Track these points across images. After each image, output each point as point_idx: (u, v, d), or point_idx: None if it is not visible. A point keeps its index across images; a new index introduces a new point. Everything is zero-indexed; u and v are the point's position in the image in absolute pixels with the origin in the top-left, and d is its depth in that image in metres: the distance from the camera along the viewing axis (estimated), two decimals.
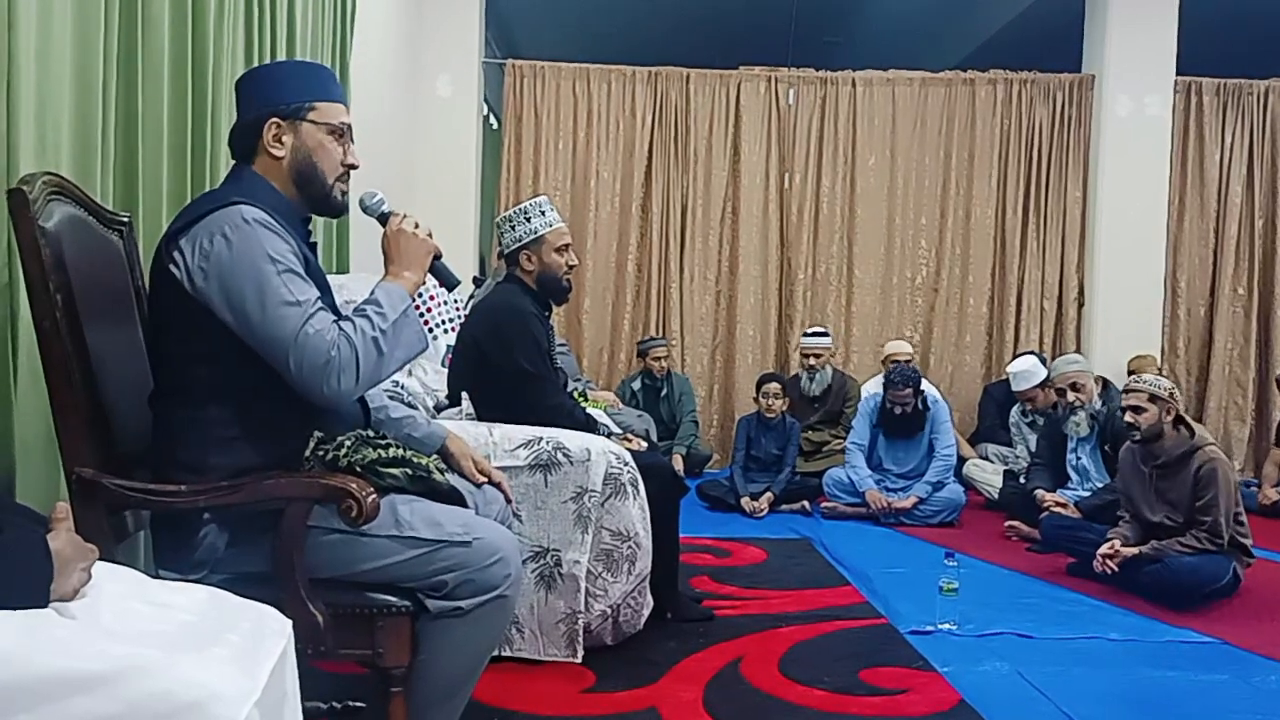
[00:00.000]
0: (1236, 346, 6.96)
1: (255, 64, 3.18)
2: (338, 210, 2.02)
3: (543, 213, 3.24)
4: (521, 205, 3.29)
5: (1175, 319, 6.98)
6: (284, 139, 1.91)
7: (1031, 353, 6.03)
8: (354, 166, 1.98)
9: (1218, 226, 6.94)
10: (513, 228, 3.25)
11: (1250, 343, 6.94)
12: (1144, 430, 3.88)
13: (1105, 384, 5.06)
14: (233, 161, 1.98)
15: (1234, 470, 4.03)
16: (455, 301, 5.06)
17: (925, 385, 5.43)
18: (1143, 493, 3.95)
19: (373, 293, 1.87)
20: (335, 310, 1.90)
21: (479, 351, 3.19)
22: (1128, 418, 3.91)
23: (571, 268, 3.29)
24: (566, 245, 3.28)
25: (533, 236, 3.23)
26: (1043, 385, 5.46)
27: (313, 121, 1.92)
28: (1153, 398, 3.86)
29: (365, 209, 2.05)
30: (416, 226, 1.96)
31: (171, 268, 1.78)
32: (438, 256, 1.99)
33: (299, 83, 1.95)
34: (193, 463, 1.79)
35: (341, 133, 1.96)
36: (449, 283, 2.06)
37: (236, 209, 1.77)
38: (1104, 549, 3.81)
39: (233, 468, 1.79)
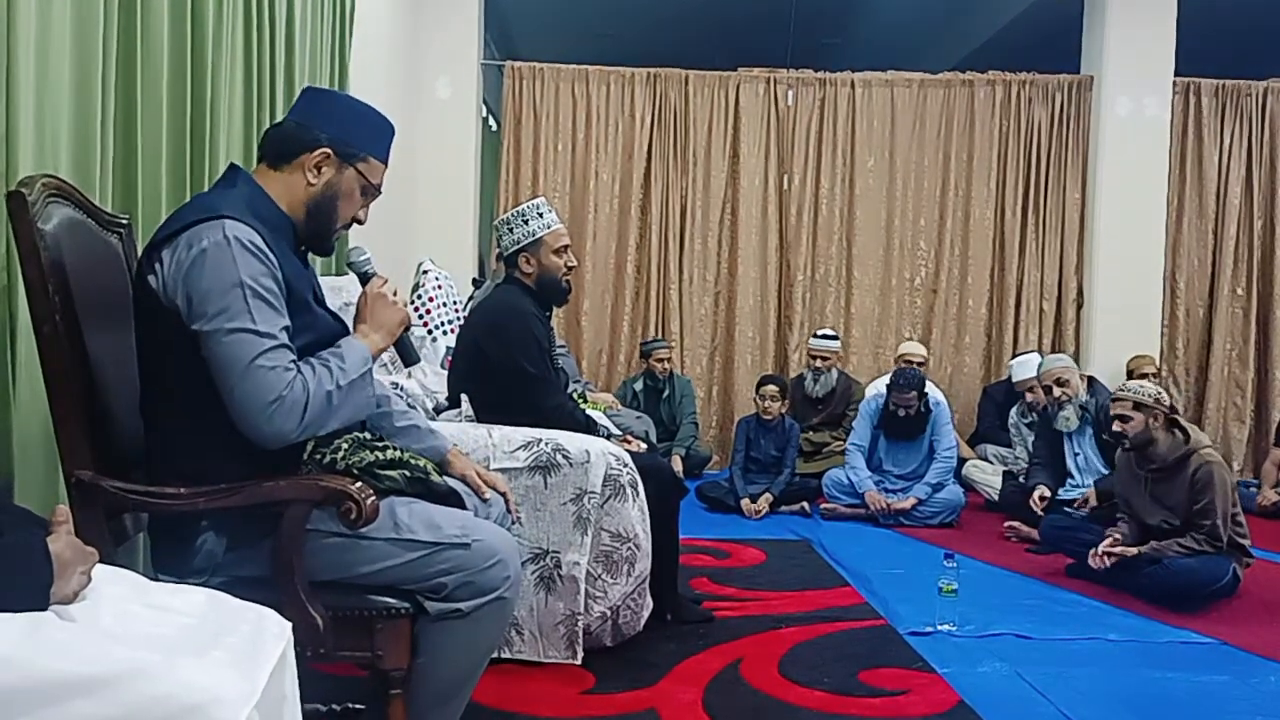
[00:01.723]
0: (1235, 347, 6.96)
1: (254, 66, 3.19)
2: (328, 252, 2.05)
3: (540, 215, 3.25)
4: (519, 208, 3.30)
5: (1174, 320, 6.98)
6: (325, 169, 1.90)
7: (1033, 352, 6.07)
8: (360, 222, 2.00)
9: (1216, 227, 6.94)
10: (511, 230, 3.26)
11: (1249, 343, 6.94)
12: (1132, 439, 3.88)
13: (1091, 381, 5.11)
14: (230, 162, 1.96)
15: (1230, 472, 4.03)
16: (455, 303, 5.07)
17: (928, 386, 5.44)
18: (1139, 497, 3.95)
19: (338, 345, 1.86)
20: (327, 323, 1.91)
21: (479, 353, 3.20)
22: (1115, 426, 3.92)
23: (570, 269, 3.30)
24: (565, 246, 3.28)
25: (531, 239, 3.23)
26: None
27: (358, 171, 1.93)
28: (1137, 405, 3.85)
29: (350, 264, 2.08)
30: (395, 294, 1.98)
31: (150, 277, 1.75)
32: (407, 328, 2.02)
33: (369, 133, 1.97)
34: (189, 472, 1.78)
35: (373, 193, 1.98)
36: (408, 358, 2.10)
37: (221, 224, 1.73)
38: (1104, 544, 3.82)
39: (230, 476, 1.77)
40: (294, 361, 1.76)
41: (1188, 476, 3.78)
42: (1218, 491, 3.71)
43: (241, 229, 1.74)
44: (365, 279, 2.03)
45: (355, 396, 1.83)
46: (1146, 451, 3.90)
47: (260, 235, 1.76)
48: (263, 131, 2.00)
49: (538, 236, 3.23)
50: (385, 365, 3.58)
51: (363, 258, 2.08)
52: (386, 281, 2.00)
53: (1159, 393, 3.90)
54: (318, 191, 1.91)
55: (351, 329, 1.95)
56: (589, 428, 3.18)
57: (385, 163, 2.00)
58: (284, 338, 1.75)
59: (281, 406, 1.71)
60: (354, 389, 1.82)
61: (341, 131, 1.92)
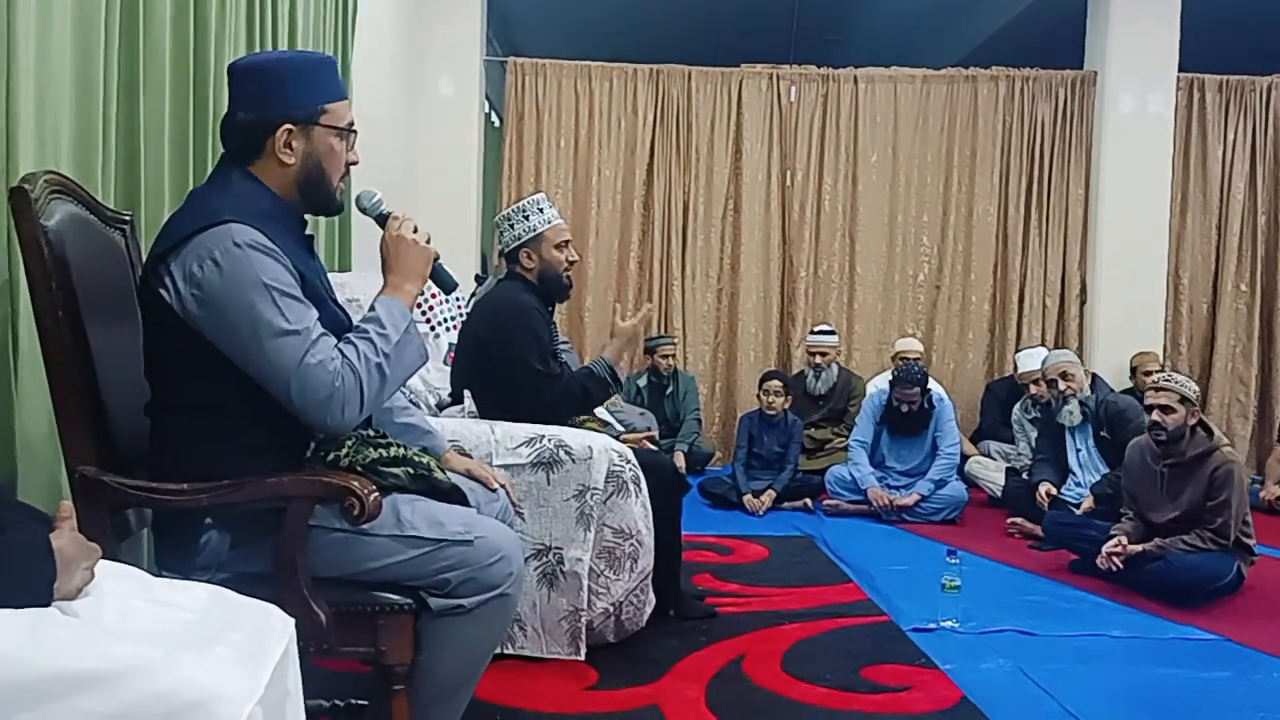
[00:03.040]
0: (1239, 343, 6.94)
1: None
2: (338, 210, 1.98)
3: (540, 210, 3.24)
4: (520, 203, 3.29)
5: (1178, 316, 6.97)
6: (295, 144, 1.83)
7: (1040, 346, 6.08)
8: (354, 163, 1.94)
9: (1220, 223, 6.92)
10: (511, 226, 3.25)
11: (1253, 339, 6.93)
12: (1170, 431, 3.82)
13: (1094, 378, 5.09)
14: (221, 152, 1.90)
15: (1248, 474, 4.02)
16: (457, 299, 5.07)
17: (931, 383, 5.43)
18: (1152, 491, 3.93)
19: (373, 307, 1.83)
20: (336, 318, 1.88)
21: (481, 349, 3.19)
22: (1155, 416, 3.85)
23: (572, 263, 3.29)
24: (566, 241, 3.27)
25: (532, 234, 3.22)
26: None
27: (324, 125, 1.85)
28: (1184, 399, 3.81)
29: (363, 209, 1.99)
30: (415, 231, 1.90)
31: (161, 291, 1.73)
32: (435, 259, 1.94)
33: (311, 83, 1.86)
34: (194, 471, 1.77)
35: (350, 134, 1.91)
36: (447, 286, 2.02)
37: (227, 229, 1.70)
38: (1109, 545, 3.81)
39: (236, 475, 1.76)
40: (336, 347, 1.75)
41: (1208, 473, 3.76)
42: (1235, 491, 3.71)
43: (247, 231, 1.71)
44: (382, 221, 1.94)
45: (405, 355, 1.81)
46: (1173, 446, 3.86)
47: (264, 234, 1.74)
48: (217, 132, 1.92)
49: (538, 232, 3.22)
50: None
51: (374, 199, 1.97)
52: (404, 220, 1.91)
53: (1197, 389, 3.89)
54: (299, 167, 1.85)
55: (381, 275, 1.90)
56: (586, 398, 3.18)
57: (344, 97, 1.91)
58: (320, 328, 1.74)
59: (338, 397, 1.71)
60: (402, 349, 1.80)
61: (289, 98, 1.82)
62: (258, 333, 1.69)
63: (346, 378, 1.72)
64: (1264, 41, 7.71)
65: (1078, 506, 4.59)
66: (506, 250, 3.31)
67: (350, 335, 1.80)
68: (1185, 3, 6.62)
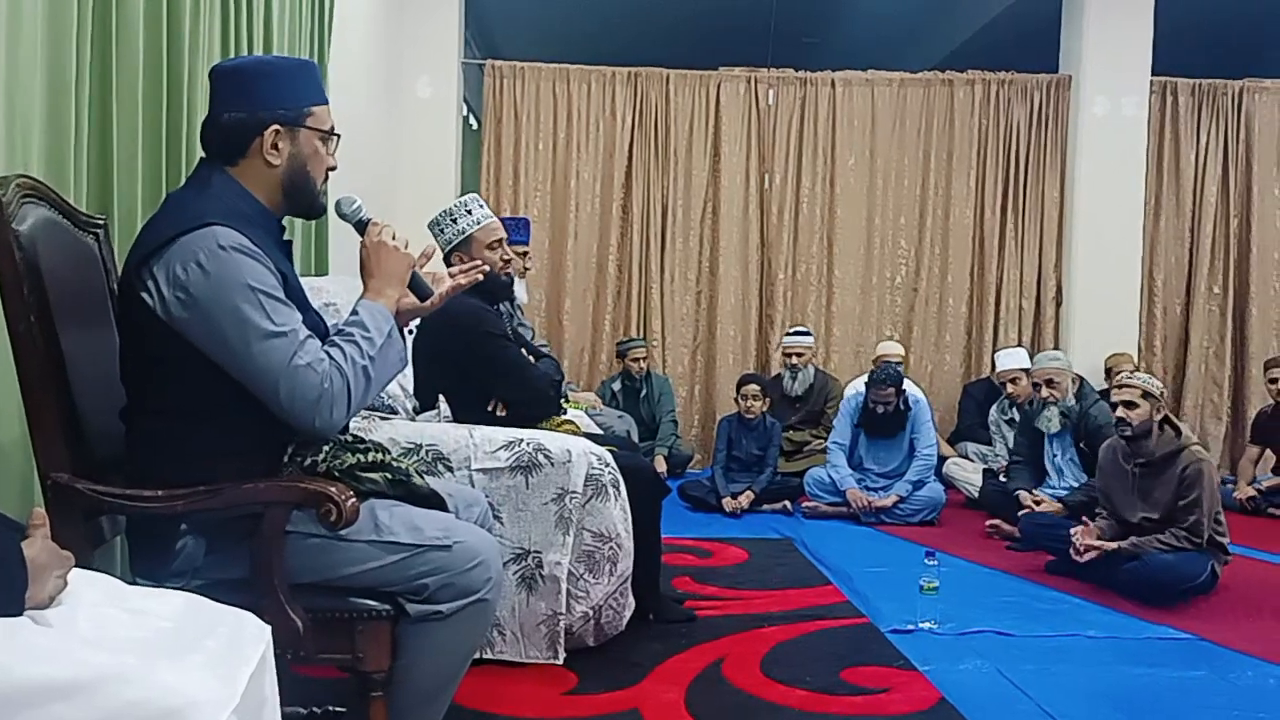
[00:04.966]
0: (1212, 345, 7.02)
1: None
2: (320, 213, 1.98)
3: (469, 211, 3.17)
4: (447, 207, 3.21)
5: (1152, 318, 7.03)
6: (281, 146, 1.84)
7: (1020, 347, 6.13)
8: (333, 168, 1.94)
9: (1193, 226, 6.99)
10: (441, 231, 3.18)
11: (1226, 341, 7.00)
12: (1135, 427, 3.86)
13: (1081, 383, 5.10)
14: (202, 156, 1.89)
15: (1217, 472, 4.06)
16: None
17: (907, 384, 5.46)
18: (1124, 491, 3.97)
19: (356, 312, 1.83)
20: (314, 322, 1.87)
21: (445, 354, 3.14)
22: (1119, 413, 3.89)
23: (507, 262, 3.23)
24: (499, 240, 3.20)
25: (462, 237, 3.16)
26: (1026, 372, 5.56)
27: (310, 128, 1.87)
28: (1146, 394, 3.85)
29: (342, 215, 1.99)
30: (394, 238, 1.91)
31: (144, 295, 1.71)
32: (413, 265, 1.95)
33: (298, 85, 1.88)
34: (172, 476, 1.75)
35: (333, 139, 1.92)
36: (422, 294, 2.02)
37: (211, 232, 1.70)
38: (1080, 531, 3.83)
39: (214, 480, 1.75)
40: (324, 349, 1.75)
41: (1177, 473, 3.79)
42: (1206, 489, 3.74)
43: (231, 234, 1.71)
44: (361, 228, 1.94)
45: (388, 357, 1.82)
46: (1141, 444, 3.89)
47: (247, 237, 1.73)
48: (198, 133, 1.91)
49: (468, 234, 3.15)
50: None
51: (354, 205, 1.98)
52: (384, 227, 1.92)
53: (1163, 388, 3.92)
54: (285, 169, 1.85)
55: (361, 282, 1.90)
56: (557, 382, 3.25)
57: (326, 100, 1.93)
58: (305, 329, 1.75)
59: (327, 399, 1.72)
60: (385, 351, 1.81)
61: (276, 99, 1.83)
62: (245, 335, 1.69)
63: (335, 379, 1.73)
64: (1236, 45, 7.80)
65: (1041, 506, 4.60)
66: (442, 255, 3.27)
67: (335, 338, 1.80)
68: (1158, 7, 6.68)
